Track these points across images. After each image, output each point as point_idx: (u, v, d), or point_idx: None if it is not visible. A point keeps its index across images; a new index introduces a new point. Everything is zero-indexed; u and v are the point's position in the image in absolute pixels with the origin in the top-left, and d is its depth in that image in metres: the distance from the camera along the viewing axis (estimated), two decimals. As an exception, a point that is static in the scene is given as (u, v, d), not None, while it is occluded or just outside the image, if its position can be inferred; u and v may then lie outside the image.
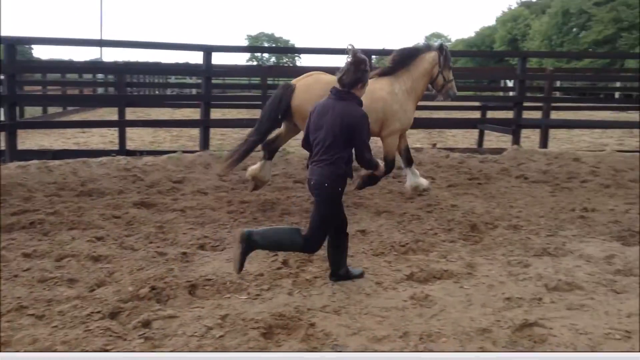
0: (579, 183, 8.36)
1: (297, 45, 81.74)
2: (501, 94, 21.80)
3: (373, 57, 10.33)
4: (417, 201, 7.08)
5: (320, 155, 4.02)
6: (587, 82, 22.05)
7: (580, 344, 3.40)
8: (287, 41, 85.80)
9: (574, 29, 49.25)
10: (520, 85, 10.99)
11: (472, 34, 75.84)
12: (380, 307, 3.87)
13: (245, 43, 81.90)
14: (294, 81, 6.62)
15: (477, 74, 20.09)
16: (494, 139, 14.63)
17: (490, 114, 13.12)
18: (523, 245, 5.38)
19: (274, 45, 79.69)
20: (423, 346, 3.33)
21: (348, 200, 7.04)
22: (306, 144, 4.27)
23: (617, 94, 23.92)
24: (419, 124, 13.11)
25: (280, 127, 6.81)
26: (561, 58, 43.88)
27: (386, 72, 6.93)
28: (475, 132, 13.88)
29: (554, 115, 12.78)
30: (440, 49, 7.14)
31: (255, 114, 11.29)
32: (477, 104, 13.85)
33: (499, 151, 10.70)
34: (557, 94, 23.21)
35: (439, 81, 7.14)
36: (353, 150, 4.13)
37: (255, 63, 63.71)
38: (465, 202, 7.06)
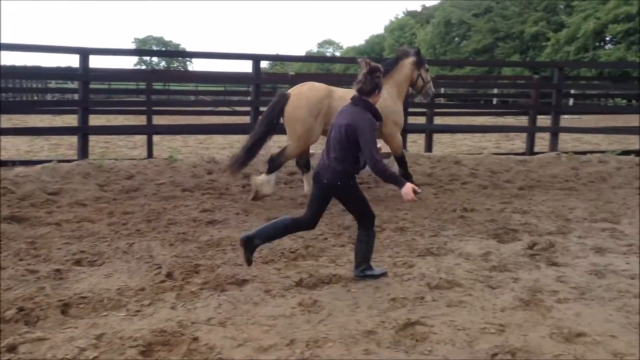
0: (459, 185, 8.81)
1: (187, 49, 79.58)
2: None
3: (266, 62, 10.40)
4: (307, 206, 7.10)
5: (330, 154, 4.38)
6: (468, 89, 23.38)
7: (459, 339, 3.53)
8: (178, 45, 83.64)
9: (456, 39, 52.28)
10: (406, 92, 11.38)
11: (363, 42, 78.23)
12: (267, 316, 3.81)
13: (132, 46, 78.63)
14: (289, 90, 7.22)
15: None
16: (384, 144, 15.10)
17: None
18: (408, 246, 5.54)
19: (163, 49, 76.97)
20: (309, 353, 3.31)
21: (238, 207, 6.94)
22: None
23: (495, 100, 25.60)
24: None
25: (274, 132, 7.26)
26: (444, 66, 46.34)
27: None
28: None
29: (438, 120, 13.41)
30: (417, 54, 7.90)
31: (142, 120, 10.90)
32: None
33: (387, 156, 11.01)
34: (442, 101, 24.47)
35: (419, 83, 8.00)
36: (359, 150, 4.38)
37: (144, 67, 61.54)
38: (354, 206, 7.16)
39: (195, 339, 3.41)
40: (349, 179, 4.40)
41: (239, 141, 14.90)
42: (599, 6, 37.03)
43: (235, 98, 19.89)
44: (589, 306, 4.10)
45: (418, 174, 9.44)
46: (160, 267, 4.64)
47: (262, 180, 7.07)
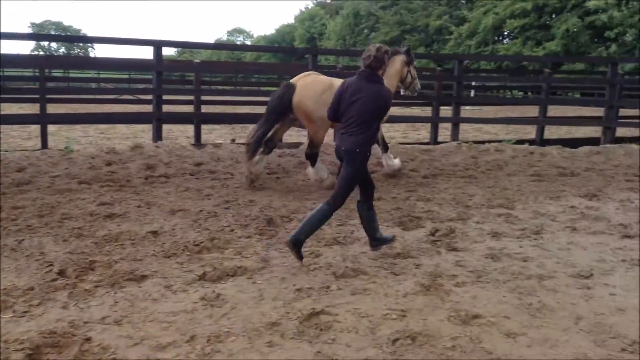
0: (367, 173, 8.93)
1: (89, 35, 75.28)
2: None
3: (175, 49, 10.11)
4: (214, 198, 6.95)
5: (352, 127, 4.64)
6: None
7: (362, 326, 3.57)
8: (78, 30, 79.34)
9: (365, 30, 53.18)
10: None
11: (274, 31, 77.85)
12: (167, 312, 3.67)
13: (29, 31, 73.62)
14: (293, 80, 7.57)
15: (274, 70, 20.51)
16: (295, 134, 15.09)
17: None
18: (315, 236, 5.50)
19: (62, 34, 72.42)
20: (210, 348, 3.22)
21: (139, 199, 6.67)
22: (333, 115, 4.88)
23: (402, 91, 26.31)
24: (221, 119, 12.99)
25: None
26: (355, 56, 47.02)
27: None
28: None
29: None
30: (407, 52, 8.30)
31: (35, 108, 10.21)
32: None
33: (296, 145, 11.02)
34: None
35: (407, 79, 8.40)
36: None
37: (41, 53, 57.93)
38: (263, 197, 7.11)
39: (88, 340, 3.22)
40: (366, 147, 4.67)
41: (144, 131, 14.35)
42: (497, 2, 38.93)
43: (142, 86, 19.16)
44: (485, 289, 4.28)
45: (327, 163, 9.48)
46: (52, 265, 4.35)
47: (313, 171, 7.79)
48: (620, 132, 14.02)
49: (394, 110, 20.79)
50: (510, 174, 9.30)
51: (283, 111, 7.49)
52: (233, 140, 11.30)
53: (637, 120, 15.05)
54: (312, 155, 7.77)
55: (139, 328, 3.43)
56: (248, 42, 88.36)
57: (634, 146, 11.71)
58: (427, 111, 20.29)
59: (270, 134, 7.75)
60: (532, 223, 6.21)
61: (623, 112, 17.13)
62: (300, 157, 9.85)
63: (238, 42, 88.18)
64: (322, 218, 4.75)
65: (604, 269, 4.78)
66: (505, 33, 41.31)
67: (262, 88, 24.09)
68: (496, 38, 41.32)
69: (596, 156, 10.94)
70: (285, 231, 5.66)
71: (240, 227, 5.73)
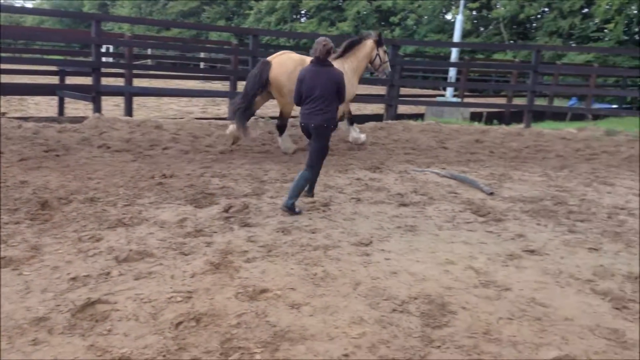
0: (160, 150, 8.55)
1: None
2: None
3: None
4: (-24, 180, 6.05)
5: (317, 107, 5.60)
6: (177, 52, 22.97)
7: (143, 313, 3.36)
8: None
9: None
10: (96, 50, 10.52)
11: (61, -6, 70.59)
12: None
13: None
14: (269, 58, 8.42)
15: (53, 36, 18.63)
16: (83, 107, 13.87)
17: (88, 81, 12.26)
18: (98, 218, 5.12)
19: None
20: (-44, 357, 2.76)
21: None
22: (298, 100, 5.79)
23: (202, 65, 25.66)
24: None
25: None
26: (152, 26, 44.86)
27: (338, 56, 8.96)
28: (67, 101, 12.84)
29: (145, 83, 12.80)
30: (378, 36, 9.22)
31: None
32: (54, 68, 12.76)
33: (79, 120, 10.10)
34: (149, 62, 23.61)
35: (376, 62, 9.25)
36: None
37: None
38: (37, 178, 6.39)
39: None
40: (331, 122, 5.69)
41: None
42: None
43: None
44: (274, 262, 4.31)
45: (115, 139, 8.86)
46: None
47: (282, 140, 8.91)
48: (402, 109, 15.36)
49: (193, 84, 20.33)
50: (304, 149, 9.58)
51: (261, 86, 8.24)
52: (4, 114, 9.97)
53: (415, 99, 16.63)
54: (281, 127, 8.81)
55: None
56: (29, 5, 79.00)
57: (412, 122, 12.89)
58: (227, 86, 20.16)
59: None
60: (322, 196, 6.45)
61: (404, 91, 18.85)
62: (84, 133, 9.06)
63: (17, 5, 78.37)
64: (304, 182, 5.71)
65: (381, 235, 5.14)
66: (303, 12, 42.68)
67: (45, 56, 21.75)
68: (295, 16, 42.48)
69: (380, 131, 11.77)
70: (62, 214, 5.13)
71: (7, 213, 5.06)
